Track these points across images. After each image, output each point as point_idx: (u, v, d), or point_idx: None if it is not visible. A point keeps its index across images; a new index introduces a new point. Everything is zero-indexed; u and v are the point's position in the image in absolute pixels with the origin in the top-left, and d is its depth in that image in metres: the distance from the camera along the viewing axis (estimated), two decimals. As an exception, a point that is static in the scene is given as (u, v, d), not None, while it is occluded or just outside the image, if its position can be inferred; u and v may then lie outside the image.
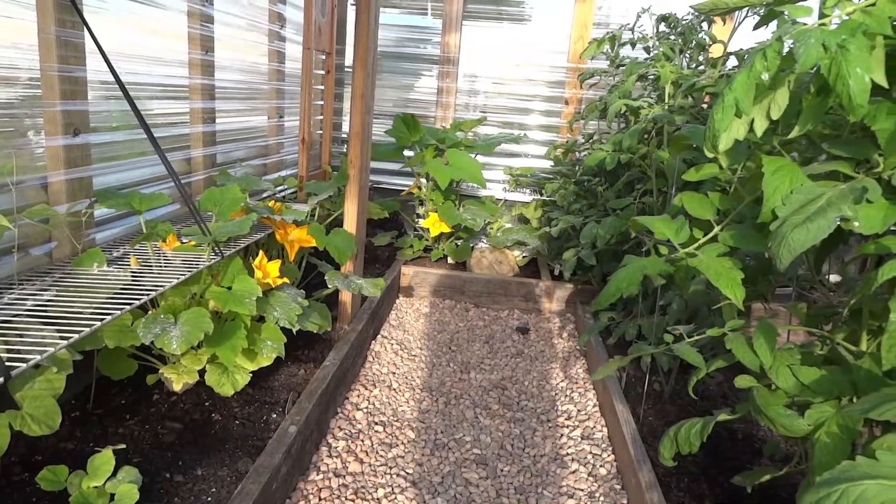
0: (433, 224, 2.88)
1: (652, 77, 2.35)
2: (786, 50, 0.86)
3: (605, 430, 1.78)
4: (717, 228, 1.11)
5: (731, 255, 1.06)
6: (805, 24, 0.85)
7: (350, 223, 2.05)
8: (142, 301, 1.21)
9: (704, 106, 2.05)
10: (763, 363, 0.97)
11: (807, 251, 0.82)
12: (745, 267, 1.10)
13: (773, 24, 0.97)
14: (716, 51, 2.54)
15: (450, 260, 3.06)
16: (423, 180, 3.04)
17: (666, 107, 2.05)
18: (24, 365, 0.89)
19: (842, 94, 0.77)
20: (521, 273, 2.97)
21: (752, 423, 1.69)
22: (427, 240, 3.10)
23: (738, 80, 0.88)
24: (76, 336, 1.02)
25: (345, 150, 3.46)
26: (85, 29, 1.37)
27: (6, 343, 0.98)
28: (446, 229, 2.87)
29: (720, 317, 1.53)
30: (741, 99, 0.87)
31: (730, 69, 2.01)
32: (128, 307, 1.17)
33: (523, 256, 3.09)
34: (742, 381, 1.03)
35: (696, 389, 1.77)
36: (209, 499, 1.18)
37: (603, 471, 1.57)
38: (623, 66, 2.60)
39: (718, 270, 0.99)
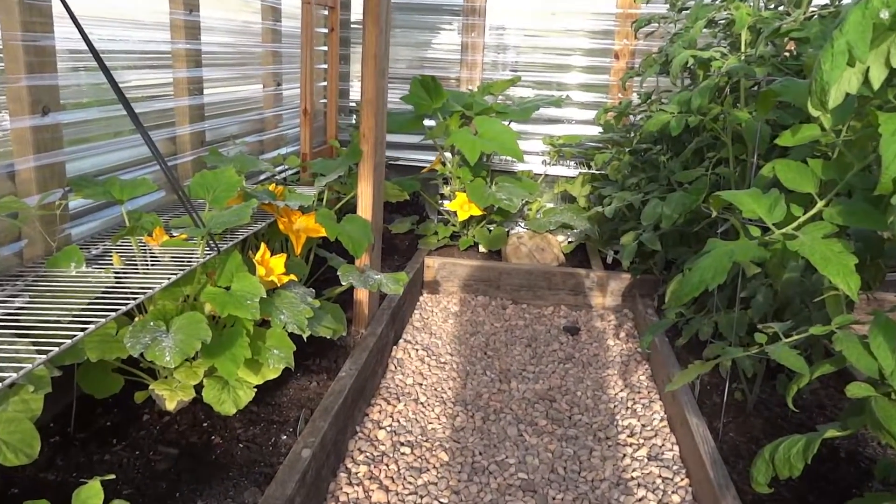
0: (461, 206, 2.88)
1: (723, 22, 2.28)
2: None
3: (676, 448, 1.76)
4: (820, 203, 1.06)
5: (839, 235, 1.01)
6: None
7: (365, 208, 2.05)
8: (128, 306, 1.22)
9: (787, 54, 2.00)
10: (883, 367, 0.93)
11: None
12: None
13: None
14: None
15: (482, 248, 3.06)
16: (448, 154, 3.05)
17: (742, 57, 1.99)
18: (-3, 385, 0.89)
19: None
20: (568, 262, 2.97)
21: (857, 438, 1.65)
22: (454, 225, 3.11)
23: (851, 21, 0.83)
24: (55, 349, 1.02)
25: (354, 122, 3.48)
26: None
27: (-26, 359, 0.98)
28: (477, 212, 2.87)
29: (818, 310, 1.48)
30: (855, 43, 0.82)
31: (819, 8, 1.94)
32: (112, 314, 1.18)
33: (569, 242, 3.09)
34: (856, 391, 0.99)
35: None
36: (213, 537, 1.17)
37: (676, 498, 1.55)
38: (687, 9, 2.54)
39: (826, 255, 0.94)
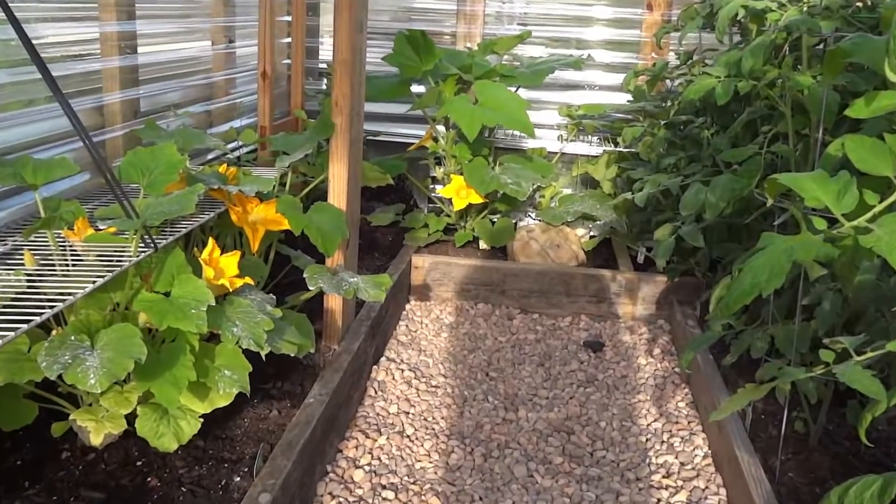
0: (457, 192, 2.90)
1: (781, -36, 2.29)
2: None
3: (722, 492, 1.77)
4: (900, 189, 1.07)
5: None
6: None
7: (338, 194, 2.06)
8: (43, 317, 1.21)
9: (860, 5, 1.99)
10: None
11: None
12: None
13: None
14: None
15: (482, 244, 3.08)
16: (441, 128, 3.07)
17: (805, 8, 1.98)
18: None
19: None
20: (589, 261, 3.00)
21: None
22: (448, 216, 3.13)
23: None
24: (-49, 371, 1.02)
25: (325, 88, 3.48)
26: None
27: None
28: (477, 199, 2.90)
29: (897, 321, 1.49)
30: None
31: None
32: (23, 326, 1.17)
33: (591, 237, 3.11)
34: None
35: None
36: None
37: (723, 554, 1.56)
38: (736, -53, 2.54)
39: (907, 253, 0.95)
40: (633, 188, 2.62)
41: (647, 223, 2.85)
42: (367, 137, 3.27)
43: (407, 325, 2.63)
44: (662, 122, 2.86)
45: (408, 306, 2.80)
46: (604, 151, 3.20)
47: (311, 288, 1.89)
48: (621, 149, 3.08)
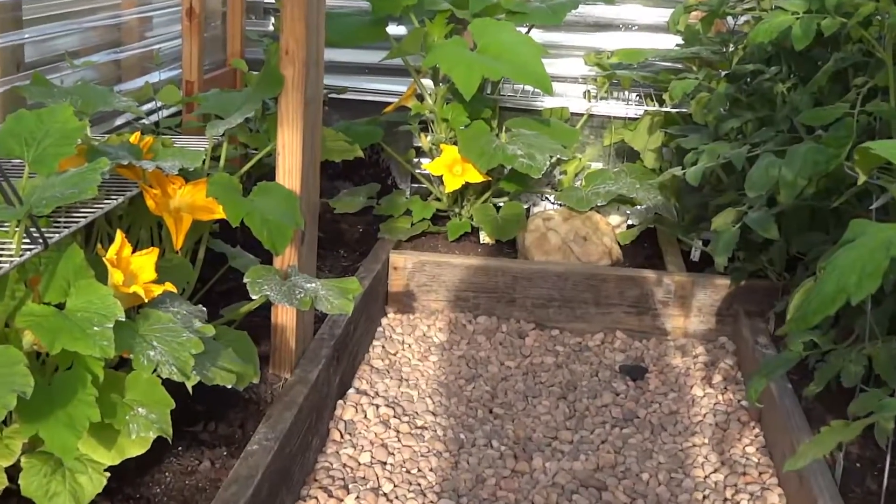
0: (449, 168, 2.89)
1: None
2: None
3: (804, 565, 1.76)
4: None
5: None
6: None
7: (289, 172, 2.06)
8: None
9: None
10: None
11: None
12: None
13: None
14: None
15: (484, 238, 3.07)
16: (428, 83, 3.05)
17: (911, -80, 1.98)
18: None
19: None
20: (627, 259, 2.97)
21: None
22: (439, 199, 3.13)
23: None
24: None
25: (271, 30, 3.46)
26: None
27: None
28: (476, 177, 2.88)
29: None
30: None
31: None
32: None
33: (629, 226, 3.11)
34: None
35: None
36: None
37: None
38: None
39: None
40: (683, 161, 2.60)
41: (704, 208, 2.82)
42: (330, 95, 3.34)
43: (383, 346, 2.61)
44: (723, 74, 2.84)
45: (385, 320, 2.78)
46: (645, 112, 3.18)
47: (253, 297, 1.87)
48: (668, 109, 3.05)
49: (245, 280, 1.89)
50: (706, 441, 2.23)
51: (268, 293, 1.86)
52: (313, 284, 1.96)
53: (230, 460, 1.79)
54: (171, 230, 1.94)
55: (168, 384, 1.61)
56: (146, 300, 1.67)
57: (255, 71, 2.93)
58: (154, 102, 2.70)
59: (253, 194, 1.96)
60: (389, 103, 3.21)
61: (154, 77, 2.90)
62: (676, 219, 2.98)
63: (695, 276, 2.78)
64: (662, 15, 3.34)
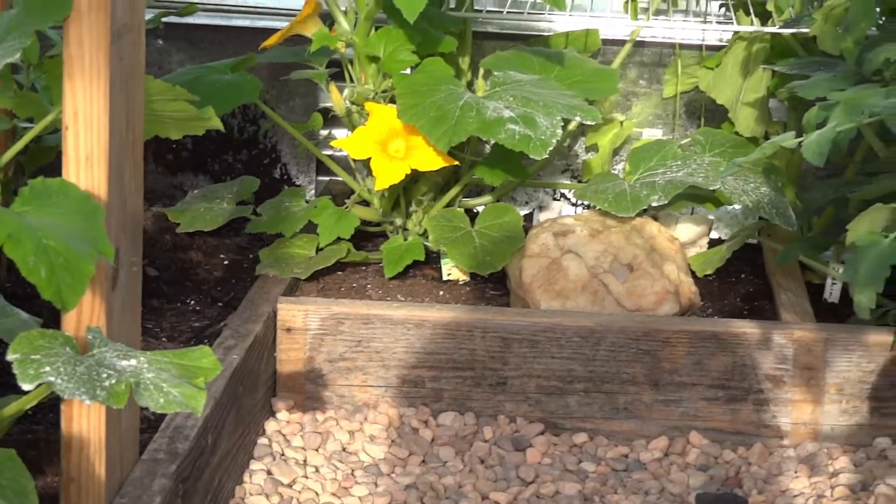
0: (382, 145, 2.41)
1: None
2: None
3: None
4: None
5: None
6: None
7: (87, 159, 1.73)
8: None
9: None
10: None
11: None
12: None
13: None
14: None
15: (450, 270, 2.54)
16: None
17: None
18: None
19: None
20: (708, 300, 2.48)
21: None
22: (366, 201, 2.61)
23: None
24: None
25: None
26: None
27: None
28: (432, 162, 2.39)
29: None
30: None
31: None
32: None
33: (710, 243, 2.67)
34: None
35: None
36: None
37: None
38: None
39: None
40: (803, 122, 2.11)
41: (843, 205, 2.41)
42: (164, 19, 2.63)
43: (269, 472, 2.13)
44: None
45: (272, 424, 2.26)
46: (735, 36, 2.63)
47: (25, 387, 1.51)
48: (775, 28, 2.53)
49: (10, 357, 1.51)
50: None
51: (51, 378, 1.54)
52: (133, 361, 1.65)
53: None
54: None
55: None
56: None
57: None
58: None
59: (20, 202, 1.63)
60: (273, 30, 2.62)
61: None
62: (795, 227, 2.41)
63: (831, 329, 2.24)
64: None
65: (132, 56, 1.66)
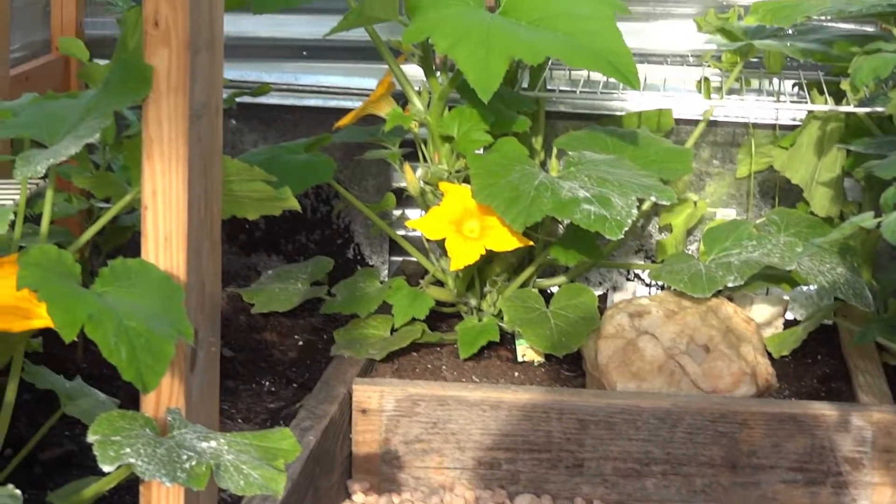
0: (457, 226, 2.40)
1: None
2: None
3: None
4: None
5: None
6: None
7: (166, 240, 1.72)
8: None
9: None
10: None
11: None
12: None
13: None
14: None
15: (525, 352, 2.52)
16: (416, 71, 2.57)
17: None
18: None
19: None
20: (785, 382, 2.44)
21: None
22: (441, 281, 2.60)
23: None
24: None
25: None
26: None
27: None
28: (507, 242, 2.37)
29: None
30: None
31: None
32: None
33: (786, 324, 2.68)
34: None
35: None
36: None
37: None
38: None
39: None
40: (881, 202, 2.09)
41: None
42: (238, 99, 2.65)
43: None
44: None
45: None
46: (809, 115, 2.63)
47: (105, 468, 1.46)
48: (850, 108, 2.50)
49: (90, 438, 1.48)
50: None
51: (131, 460, 1.50)
52: (213, 443, 1.63)
53: None
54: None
55: None
56: None
57: (103, 59, 2.35)
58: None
59: (100, 282, 1.60)
60: (346, 110, 2.65)
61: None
62: (872, 308, 2.38)
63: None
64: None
65: (210, 136, 1.65)
